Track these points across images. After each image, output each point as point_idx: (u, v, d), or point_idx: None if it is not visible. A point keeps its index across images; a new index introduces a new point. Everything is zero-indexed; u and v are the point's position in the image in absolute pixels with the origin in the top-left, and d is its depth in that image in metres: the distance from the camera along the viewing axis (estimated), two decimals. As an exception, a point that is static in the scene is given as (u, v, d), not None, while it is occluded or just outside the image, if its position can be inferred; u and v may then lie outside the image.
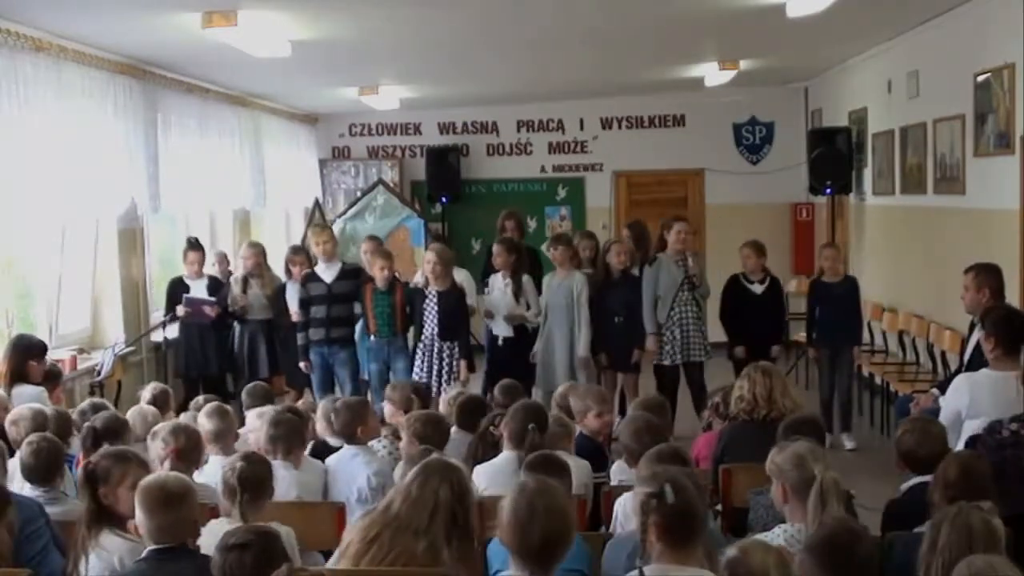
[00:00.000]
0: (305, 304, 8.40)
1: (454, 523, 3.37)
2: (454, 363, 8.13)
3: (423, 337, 8.15)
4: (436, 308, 8.11)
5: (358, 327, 8.52)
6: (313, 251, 8.76)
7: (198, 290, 8.90)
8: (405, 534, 3.34)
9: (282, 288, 8.99)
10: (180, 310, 8.77)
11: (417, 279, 8.53)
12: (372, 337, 8.28)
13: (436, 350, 8.11)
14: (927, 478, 4.17)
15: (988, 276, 6.34)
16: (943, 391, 5.86)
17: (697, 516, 3.14)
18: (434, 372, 8.07)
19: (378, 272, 8.23)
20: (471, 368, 8.27)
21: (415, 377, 8.09)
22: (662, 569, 3.09)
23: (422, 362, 8.14)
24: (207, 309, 8.75)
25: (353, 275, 8.49)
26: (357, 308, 8.41)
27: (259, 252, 9.17)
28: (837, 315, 8.62)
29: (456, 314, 8.16)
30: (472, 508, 3.48)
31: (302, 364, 8.42)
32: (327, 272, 8.46)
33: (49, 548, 4.10)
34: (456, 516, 3.38)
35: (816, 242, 13.11)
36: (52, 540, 4.13)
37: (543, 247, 9.26)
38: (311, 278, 8.47)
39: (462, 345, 8.16)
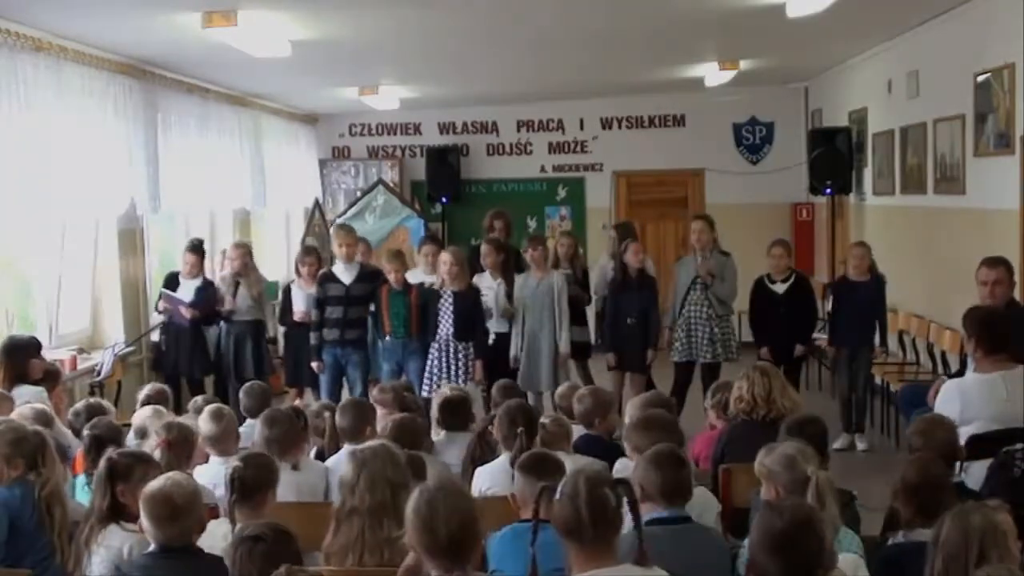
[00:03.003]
0: (320, 304, 8.34)
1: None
2: (469, 363, 8.10)
3: (438, 337, 8.10)
4: (452, 308, 8.09)
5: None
6: (334, 251, 8.72)
7: (188, 289, 8.82)
8: (378, 532, 3.48)
9: (285, 289, 8.98)
10: (160, 304, 8.78)
11: (410, 276, 8.53)
12: (388, 338, 8.28)
13: (452, 350, 8.09)
14: None
15: (1012, 269, 6.34)
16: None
17: (596, 515, 3.04)
18: (450, 372, 8.03)
19: (393, 274, 8.25)
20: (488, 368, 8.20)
21: (427, 377, 8.09)
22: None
23: (439, 362, 8.10)
24: (183, 310, 8.69)
25: (371, 278, 8.42)
26: (371, 308, 8.40)
27: (246, 252, 9.16)
28: (860, 314, 8.49)
29: (472, 315, 8.13)
30: (410, 480, 3.62)
31: (314, 364, 8.37)
32: (346, 273, 8.38)
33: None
34: (408, 491, 3.49)
35: (816, 242, 13.14)
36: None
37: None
38: (329, 278, 8.40)
39: (477, 345, 8.13)
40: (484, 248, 8.64)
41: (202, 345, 8.87)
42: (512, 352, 8.43)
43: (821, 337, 9.50)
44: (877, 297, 8.58)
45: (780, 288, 8.63)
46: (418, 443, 5.14)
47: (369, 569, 3.45)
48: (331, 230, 10.42)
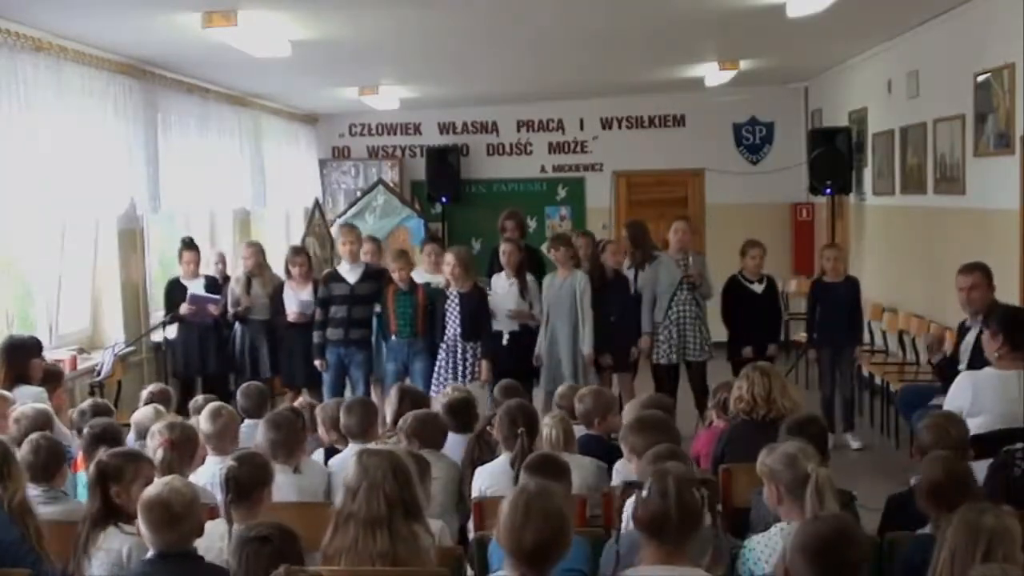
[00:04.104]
0: (325, 303, 8.36)
1: (406, 511, 3.52)
2: (477, 363, 8.11)
3: (446, 338, 8.13)
4: (458, 309, 8.10)
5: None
6: (339, 249, 8.74)
7: (196, 290, 8.87)
8: (370, 544, 3.46)
9: (280, 287, 8.98)
10: (184, 308, 8.74)
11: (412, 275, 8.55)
12: (393, 338, 8.29)
13: (460, 351, 8.10)
14: None
15: (989, 273, 6.38)
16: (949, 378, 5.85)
17: (684, 514, 3.11)
18: (458, 372, 8.04)
19: (398, 272, 8.26)
20: (494, 368, 8.21)
21: (435, 378, 8.10)
22: (650, 569, 3.09)
23: (446, 363, 8.12)
24: (211, 307, 8.76)
25: (376, 277, 8.45)
26: (377, 309, 8.40)
27: (259, 251, 9.19)
28: (838, 315, 8.58)
29: (479, 314, 8.14)
30: (415, 486, 3.61)
31: (317, 363, 8.38)
32: (351, 273, 8.41)
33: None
34: (406, 503, 3.52)
35: (816, 242, 13.12)
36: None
37: (543, 247, 9.25)
38: (334, 278, 8.44)
39: (485, 345, 8.13)
40: (507, 247, 8.57)
41: (224, 341, 8.94)
42: (536, 351, 8.43)
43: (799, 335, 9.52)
44: (853, 296, 8.67)
45: (758, 288, 8.71)
46: (437, 440, 5.15)
47: (369, 569, 3.45)
48: (334, 229, 10.38)
